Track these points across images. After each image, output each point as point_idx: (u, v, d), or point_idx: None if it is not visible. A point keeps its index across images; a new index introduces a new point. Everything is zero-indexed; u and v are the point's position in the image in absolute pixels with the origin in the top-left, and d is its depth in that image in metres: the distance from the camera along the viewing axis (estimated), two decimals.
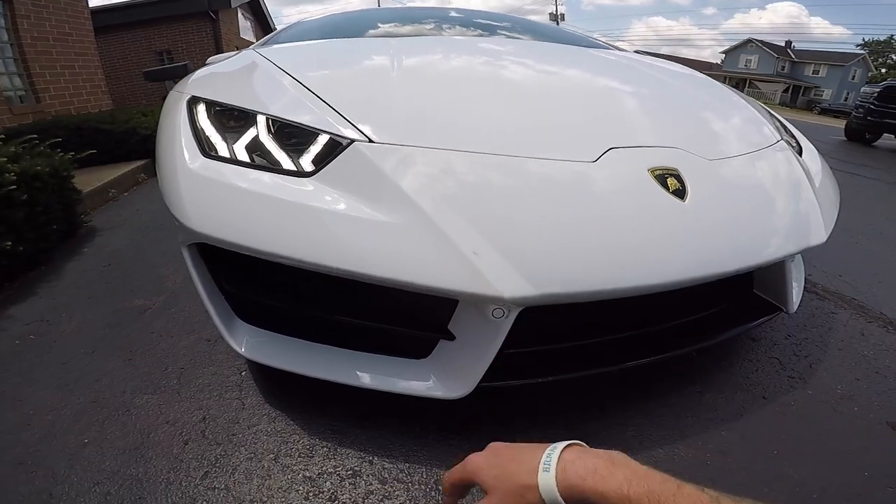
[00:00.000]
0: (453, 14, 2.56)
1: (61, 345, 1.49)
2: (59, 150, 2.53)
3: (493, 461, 0.52)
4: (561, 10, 38.52)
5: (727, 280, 0.98)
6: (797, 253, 1.07)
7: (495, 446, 0.54)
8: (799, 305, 1.28)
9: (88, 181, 3.01)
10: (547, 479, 0.44)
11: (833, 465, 1.03)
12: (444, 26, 2.30)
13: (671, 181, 0.97)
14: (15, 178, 1.95)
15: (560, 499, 0.43)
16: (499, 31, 2.31)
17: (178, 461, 1.03)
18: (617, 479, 0.41)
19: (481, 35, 2.23)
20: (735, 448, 1.06)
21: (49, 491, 0.96)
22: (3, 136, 2.46)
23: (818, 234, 1.10)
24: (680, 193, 0.96)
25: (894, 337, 1.54)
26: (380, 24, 2.27)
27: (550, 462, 0.46)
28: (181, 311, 1.66)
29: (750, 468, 1.01)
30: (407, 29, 2.22)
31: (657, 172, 0.98)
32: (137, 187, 3.63)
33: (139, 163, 3.88)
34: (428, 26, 2.29)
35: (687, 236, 0.93)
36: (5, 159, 2.02)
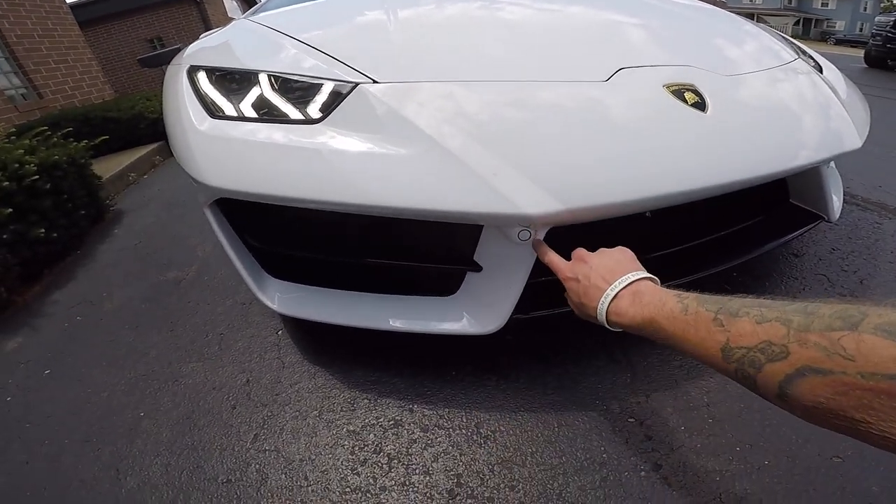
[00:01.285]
0: None
1: (107, 323, 1.49)
2: (71, 139, 2.50)
3: (577, 270, 0.71)
4: None
5: (762, 190, 0.91)
6: (830, 159, 0.99)
7: (580, 253, 0.74)
8: (840, 217, 1.16)
9: (107, 168, 2.99)
10: (602, 305, 0.64)
11: None
12: None
13: (689, 95, 0.92)
14: (36, 168, 1.94)
15: (605, 320, 0.64)
16: None
17: (227, 426, 1.02)
18: (648, 308, 0.58)
19: None
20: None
21: (115, 466, 0.96)
22: (14, 134, 2.44)
23: (852, 139, 1.02)
24: (700, 106, 0.90)
25: None
26: None
27: (613, 291, 0.64)
28: (214, 278, 1.64)
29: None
30: None
31: (673, 88, 0.92)
32: (155, 169, 3.60)
33: (153, 146, 3.82)
34: None
35: (712, 143, 0.87)
36: (22, 151, 1.99)
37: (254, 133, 0.90)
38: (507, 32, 1.17)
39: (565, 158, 0.80)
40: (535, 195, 0.75)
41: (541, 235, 0.81)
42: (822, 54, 1.51)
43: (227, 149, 0.90)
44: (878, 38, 7.13)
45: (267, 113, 0.94)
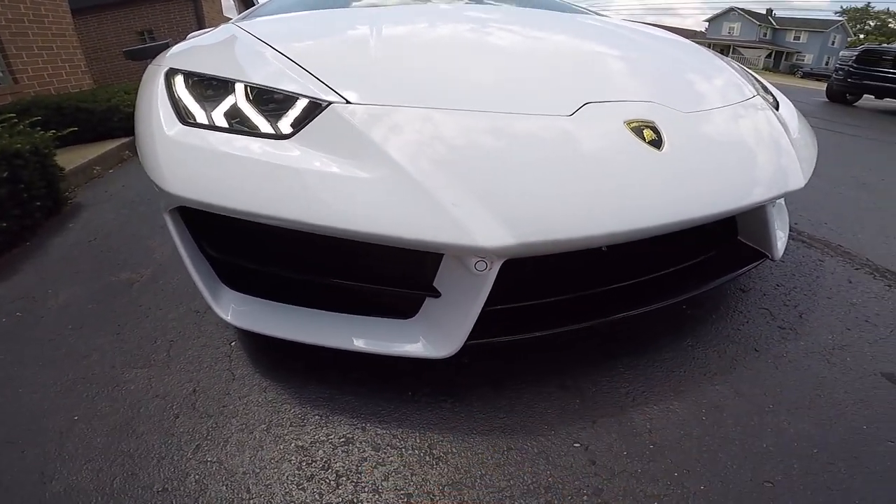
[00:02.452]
0: None
1: (49, 321, 1.42)
2: (38, 128, 2.43)
3: None
4: None
5: (711, 227, 0.98)
6: (776, 198, 1.07)
7: None
8: (786, 253, 1.26)
9: (72, 159, 2.88)
10: None
11: (830, 419, 1.00)
12: None
13: (647, 132, 0.97)
14: None
15: None
16: None
17: (169, 435, 0.98)
18: None
19: (465, 1, 2.14)
20: (730, 402, 1.04)
21: (41, 470, 0.91)
22: None
23: (796, 178, 1.10)
24: (656, 144, 0.96)
25: (881, 284, 1.52)
26: None
27: None
28: (169, 283, 1.59)
29: (746, 423, 0.98)
30: None
31: (633, 125, 0.98)
32: (122, 164, 3.49)
33: (123, 140, 3.71)
34: None
35: (663, 182, 0.92)
36: None
37: (221, 143, 0.91)
38: (482, 58, 1.21)
39: (525, 192, 0.83)
40: (492, 228, 0.78)
41: (497, 266, 0.83)
42: (788, 88, 1.67)
43: (192, 157, 0.90)
44: (841, 72, 7.58)
45: (238, 122, 0.95)
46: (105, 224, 2.20)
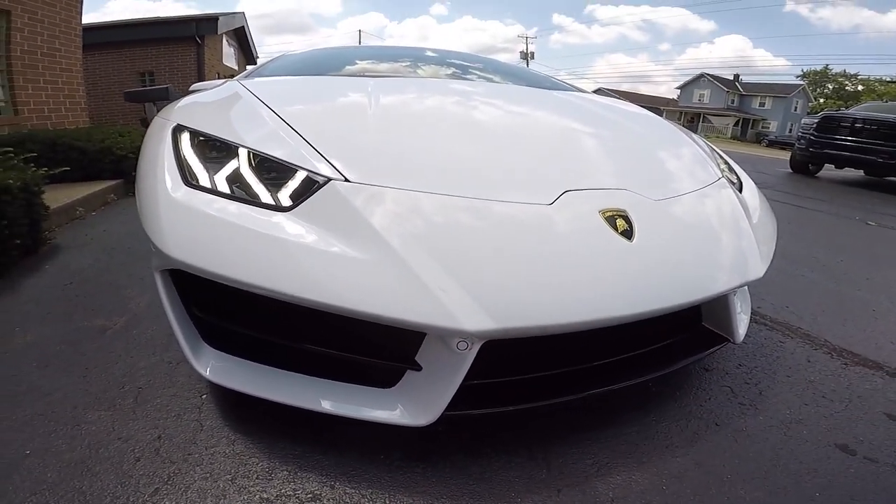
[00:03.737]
0: (430, 54, 2.95)
1: (12, 358, 1.54)
2: (32, 164, 2.68)
3: None
4: (531, 48, 44.01)
5: (679, 313, 1.16)
6: (738, 287, 1.25)
7: None
8: (749, 335, 1.48)
9: (56, 197, 3.12)
10: None
11: (786, 487, 1.14)
12: (420, 65, 2.63)
13: (620, 222, 1.15)
14: None
15: None
16: (470, 70, 2.67)
17: (127, 477, 1.07)
18: None
19: (454, 74, 2.56)
20: (690, 473, 1.17)
21: None
22: None
23: (756, 269, 1.29)
24: (628, 234, 1.14)
25: (838, 363, 1.76)
26: (360, 62, 2.60)
27: None
28: (143, 333, 1.73)
29: (704, 493, 1.11)
30: (386, 67, 2.54)
31: (608, 214, 1.16)
32: (106, 207, 3.76)
33: (110, 183, 4.03)
34: (405, 65, 2.61)
35: (634, 274, 1.09)
36: None
37: (223, 211, 1.07)
38: (473, 140, 1.46)
39: (507, 280, 0.99)
40: (476, 313, 0.93)
41: (477, 346, 0.99)
42: (753, 158, 1.93)
43: (194, 223, 1.06)
44: (803, 140, 8.01)
45: (240, 187, 1.13)
46: (82, 269, 2.38)
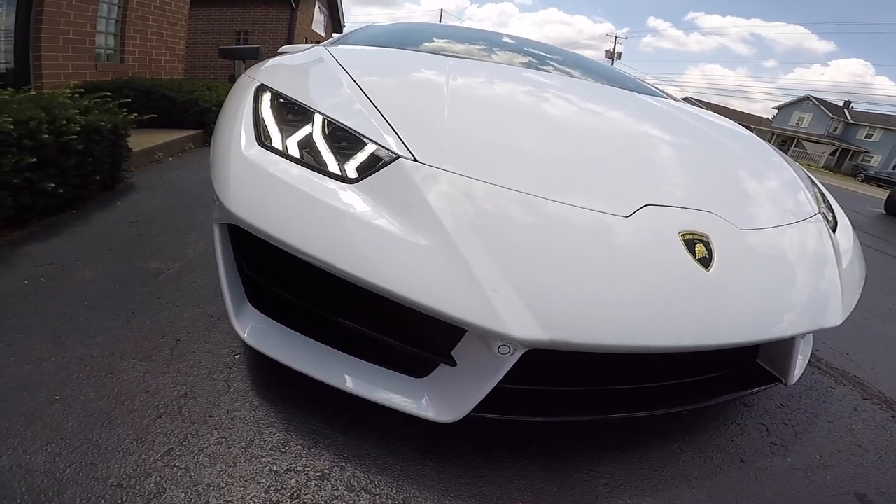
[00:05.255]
0: (510, 41, 2.82)
1: (68, 293, 1.59)
2: (124, 109, 2.85)
3: None
4: (619, 48, 41.39)
5: (737, 348, 1.06)
6: (810, 332, 1.17)
7: None
8: (800, 378, 1.39)
9: (140, 141, 3.30)
10: None
11: None
12: (500, 51, 2.51)
13: (699, 248, 1.06)
14: (79, 129, 2.23)
15: None
16: (550, 62, 2.50)
17: (144, 433, 1.06)
18: None
19: (535, 64, 2.40)
20: None
21: None
22: (82, 90, 2.82)
23: (833, 316, 1.19)
24: (706, 262, 1.04)
25: (886, 414, 1.67)
26: (442, 40, 2.51)
27: None
28: (193, 282, 1.74)
29: None
30: (466, 48, 2.43)
31: (687, 237, 1.07)
32: (183, 154, 3.93)
33: (191, 132, 4.24)
34: (485, 48, 2.50)
35: (704, 306, 1.01)
36: (77, 111, 2.31)
37: (290, 175, 1.04)
38: (551, 134, 1.35)
39: (563, 291, 0.92)
40: (525, 320, 0.87)
41: (520, 353, 0.92)
42: (845, 193, 1.67)
43: (261, 183, 1.05)
44: None
45: (310, 153, 1.10)
46: (150, 209, 2.47)
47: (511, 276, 0.91)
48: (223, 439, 1.08)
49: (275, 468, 1.03)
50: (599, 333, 0.91)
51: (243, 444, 1.08)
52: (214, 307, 1.57)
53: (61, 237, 1.99)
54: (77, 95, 2.58)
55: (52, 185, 2.07)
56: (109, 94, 2.90)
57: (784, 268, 1.20)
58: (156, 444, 1.03)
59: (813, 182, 1.71)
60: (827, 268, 1.26)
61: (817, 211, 1.43)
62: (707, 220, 1.13)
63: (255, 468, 1.02)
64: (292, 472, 1.03)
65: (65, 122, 2.17)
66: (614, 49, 40.12)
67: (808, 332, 1.16)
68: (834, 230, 1.47)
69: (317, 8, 15.06)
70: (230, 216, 1.04)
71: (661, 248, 1.03)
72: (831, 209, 1.63)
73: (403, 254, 0.92)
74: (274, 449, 1.08)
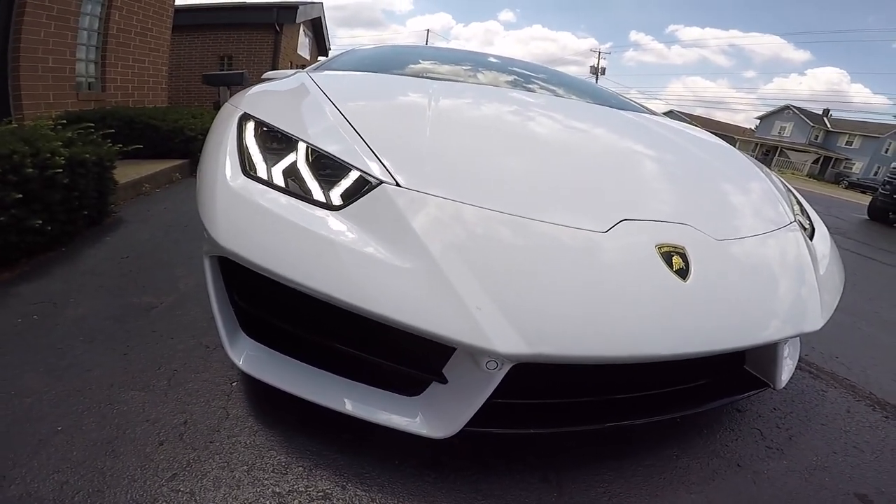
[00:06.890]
0: (495, 60, 2.95)
1: (62, 330, 1.64)
2: (109, 140, 2.88)
3: None
4: (603, 63, 42.42)
5: (720, 355, 1.12)
6: (791, 337, 1.23)
7: None
8: (791, 381, 1.46)
9: (126, 173, 3.35)
10: None
11: None
12: (485, 71, 2.63)
13: (676, 259, 1.11)
14: (63, 162, 2.26)
15: None
16: (534, 80, 2.64)
17: (148, 460, 1.11)
18: None
19: (518, 84, 2.53)
20: None
21: (3, 473, 1.05)
22: (64, 121, 2.85)
23: (814, 321, 1.24)
24: (682, 273, 1.10)
25: (879, 415, 1.73)
26: (427, 62, 2.63)
27: None
28: (187, 315, 1.80)
29: None
30: (450, 70, 2.55)
31: (664, 249, 1.13)
32: (170, 185, 3.99)
33: (177, 162, 4.30)
34: (470, 69, 2.62)
35: (682, 315, 1.06)
36: (60, 144, 2.34)
37: (277, 205, 1.09)
38: (531, 153, 1.42)
39: (545, 306, 0.98)
40: (510, 336, 0.93)
41: (507, 367, 0.98)
42: (828, 200, 1.77)
43: (248, 213, 1.10)
44: (888, 186, 7.39)
45: (294, 181, 1.16)
46: (140, 243, 2.53)
47: (495, 294, 0.96)
48: (225, 463, 1.13)
49: (278, 490, 1.08)
50: (581, 345, 0.96)
51: (245, 467, 1.13)
52: (209, 337, 1.63)
53: (51, 276, 2.05)
54: (59, 127, 2.60)
55: (40, 221, 2.09)
56: (92, 124, 2.94)
57: (762, 275, 1.25)
58: (159, 470, 1.08)
59: (789, 190, 1.80)
60: (805, 274, 1.32)
61: (793, 219, 1.51)
62: (683, 232, 1.19)
63: (258, 490, 1.07)
64: (295, 493, 1.08)
65: (48, 154, 2.19)
66: (598, 64, 41.15)
67: (789, 337, 1.22)
68: (811, 237, 1.55)
69: (301, 31, 15.28)
70: (220, 249, 1.08)
71: (639, 260, 1.09)
72: (808, 217, 1.71)
73: (390, 278, 0.97)
74: (276, 471, 1.13)
